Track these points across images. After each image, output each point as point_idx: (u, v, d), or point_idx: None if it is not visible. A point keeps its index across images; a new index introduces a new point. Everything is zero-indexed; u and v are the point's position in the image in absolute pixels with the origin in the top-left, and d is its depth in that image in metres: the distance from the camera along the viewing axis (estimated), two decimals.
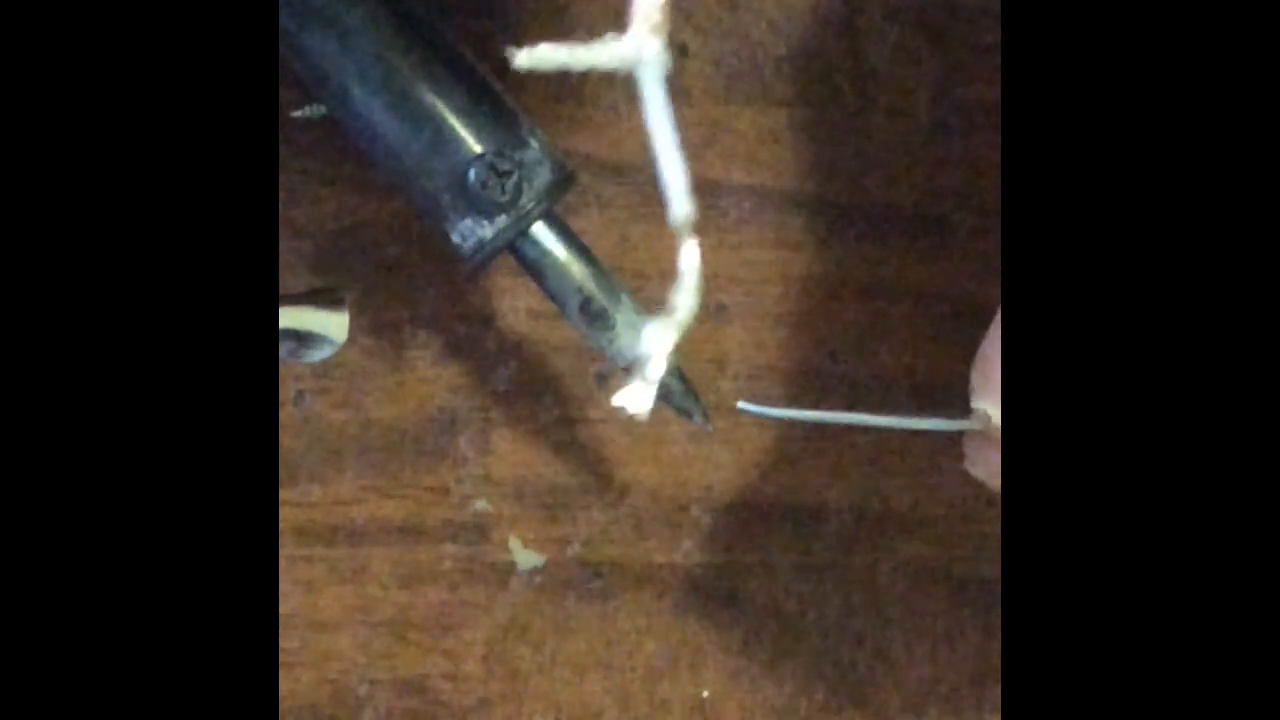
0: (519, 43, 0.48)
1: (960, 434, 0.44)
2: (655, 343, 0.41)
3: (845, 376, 0.48)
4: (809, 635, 0.48)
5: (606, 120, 0.48)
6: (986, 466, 0.43)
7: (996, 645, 0.48)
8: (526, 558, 0.48)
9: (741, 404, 0.45)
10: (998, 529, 0.48)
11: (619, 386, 0.47)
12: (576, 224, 0.45)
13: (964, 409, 0.43)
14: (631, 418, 0.47)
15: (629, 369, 0.42)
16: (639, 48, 0.39)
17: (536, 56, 0.40)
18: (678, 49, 0.48)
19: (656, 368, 0.41)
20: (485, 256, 0.44)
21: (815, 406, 0.48)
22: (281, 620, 0.47)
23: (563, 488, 0.48)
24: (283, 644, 0.47)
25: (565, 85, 0.48)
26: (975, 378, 0.43)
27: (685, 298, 0.41)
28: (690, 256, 0.40)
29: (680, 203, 0.39)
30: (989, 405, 0.42)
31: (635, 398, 0.41)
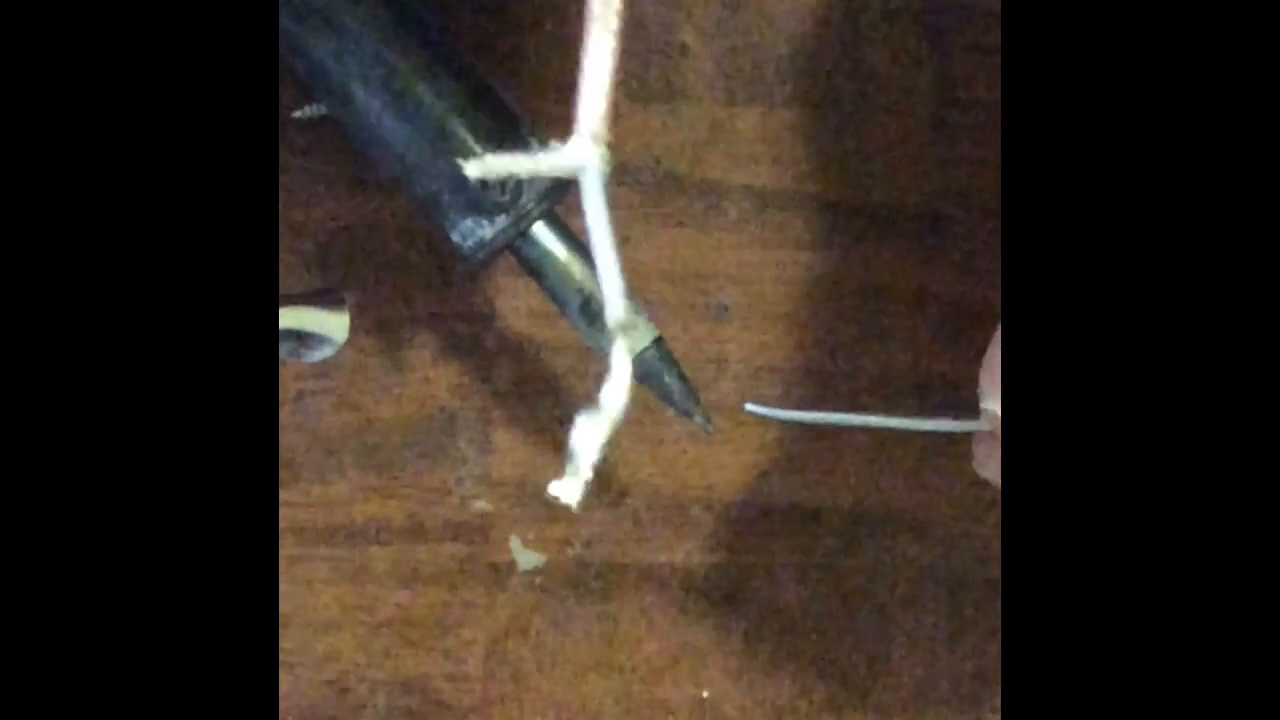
0: (519, 45, 0.48)
1: (965, 434, 0.44)
2: (585, 439, 0.41)
3: (845, 376, 0.48)
4: (809, 635, 0.48)
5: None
6: (995, 467, 0.43)
7: (996, 645, 0.48)
8: (527, 558, 0.48)
9: (750, 406, 0.45)
10: (998, 529, 0.48)
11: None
12: (576, 224, 0.45)
13: (969, 409, 0.43)
14: (633, 417, 0.48)
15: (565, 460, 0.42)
16: (581, 156, 0.40)
17: (486, 166, 0.41)
18: (678, 49, 0.48)
19: (587, 462, 0.41)
20: (485, 256, 0.44)
21: (816, 406, 0.48)
22: (282, 620, 0.47)
23: None
24: (283, 644, 0.47)
25: (565, 85, 0.48)
26: (984, 379, 0.43)
27: (615, 396, 0.41)
28: (620, 360, 0.41)
29: (615, 308, 0.40)
30: (998, 406, 0.42)
31: (567, 490, 0.41)
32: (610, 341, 0.41)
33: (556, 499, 0.41)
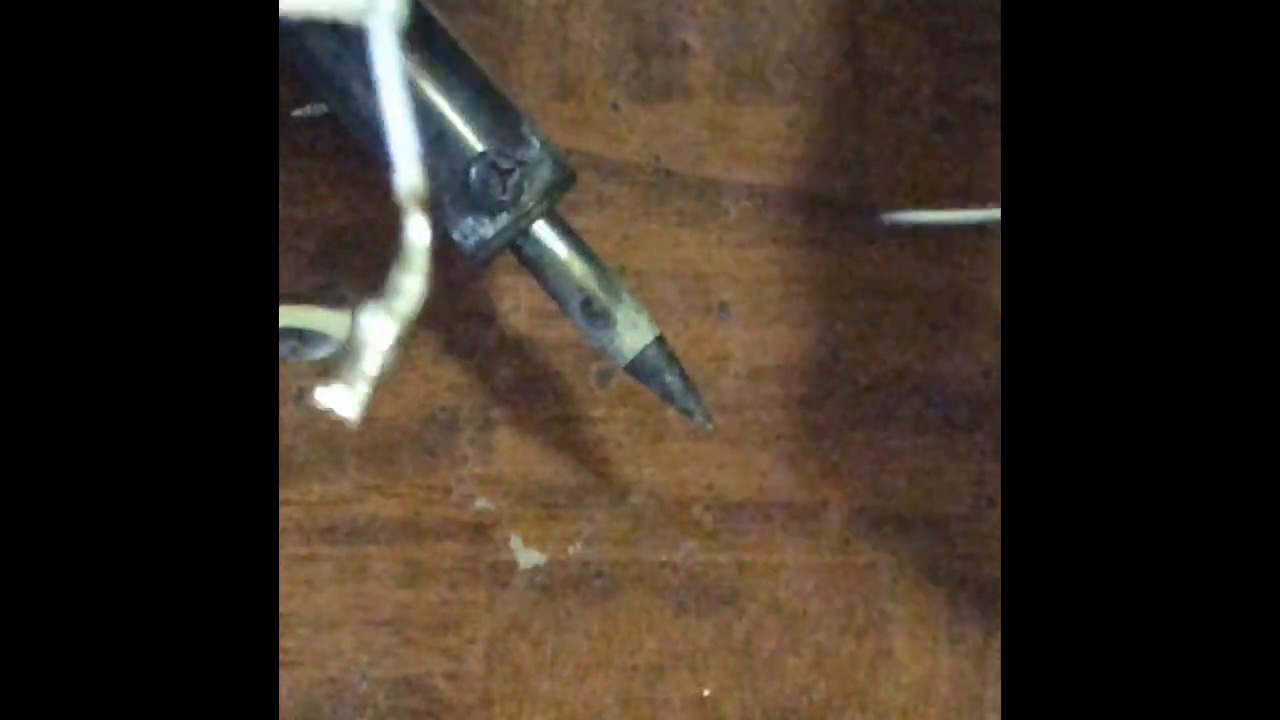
0: (519, 45, 0.48)
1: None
2: (373, 332, 0.37)
3: (846, 375, 0.48)
4: (809, 635, 0.48)
5: (606, 120, 0.48)
6: None
7: (996, 645, 0.48)
8: (527, 557, 0.48)
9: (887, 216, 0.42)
10: (998, 529, 0.48)
11: (619, 385, 0.48)
12: (577, 223, 0.45)
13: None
14: (633, 416, 0.48)
15: (332, 367, 0.37)
16: None
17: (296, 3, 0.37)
18: (678, 48, 0.48)
19: (373, 360, 0.37)
20: (486, 255, 0.44)
21: (816, 405, 0.48)
22: (282, 619, 0.47)
23: (563, 487, 0.48)
24: (283, 643, 0.47)
25: (566, 85, 0.48)
26: None
27: (411, 280, 0.37)
28: (417, 231, 0.37)
29: (408, 171, 0.37)
30: None
31: (340, 398, 0.36)
32: (407, 216, 0.36)
33: (328, 409, 0.36)
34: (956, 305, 0.48)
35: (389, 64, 0.36)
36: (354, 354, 0.36)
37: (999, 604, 0.48)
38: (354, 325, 0.36)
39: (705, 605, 0.48)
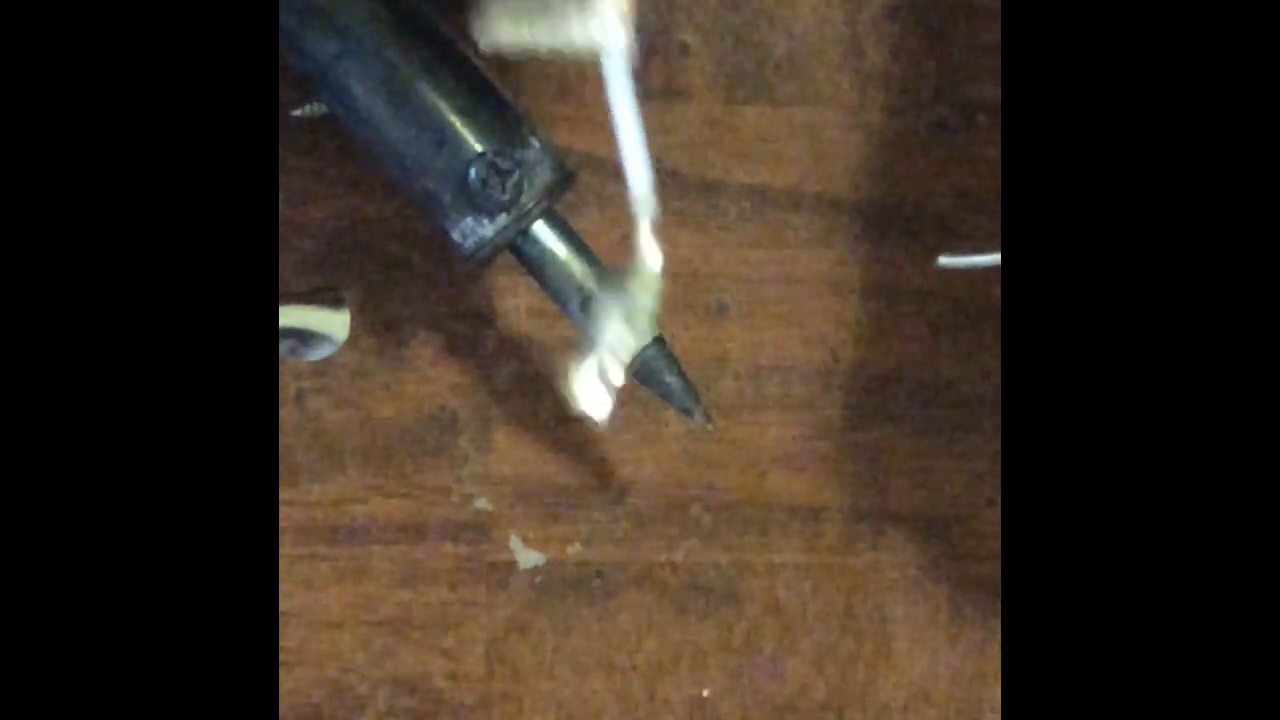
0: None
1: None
2: (616, 347, 0.40)
3: (846, 376, 0.48)
4: (809, 634, 0.48)
5: (606, 120, 0.48)
6: None
7: (996, 645, 0.48)
8: (527, 557, 0.48)
9: (943, 260, 0.43)
10: (998, 529, 0.48)
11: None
12: (577, 223, 0.45)
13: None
14: (633, 416, 0.48)
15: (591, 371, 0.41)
16: (604, 31, 0.38)
17: (499, 34, 0.39)
18: (678, 48, 0.48)
19: (617, 375, 0.40)
20: (486, 255, 0.44)
21: (816, 405, 0.48)
22: (282, 619, 0.47)
23: (563, 487, 0.48)
24: (283, 643, 0.47)
25: (565, 85, 0.48)
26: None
27: (645, 297, 0.39)
28: (652, 259, 0.39)
29: (643, 195, 0.38)
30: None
31: (596, 402, 0.40)
32: (643, 246, 0.39)
33: (587, 417, 0.40)
34: (956, 305, 0.48)
35: (623, 97, 0.38)
36: (604, 364, 0.40)
37: (999, 604, 0.48)
38: (603, 344, 0.40)
39: (705, 605, 0.48)
